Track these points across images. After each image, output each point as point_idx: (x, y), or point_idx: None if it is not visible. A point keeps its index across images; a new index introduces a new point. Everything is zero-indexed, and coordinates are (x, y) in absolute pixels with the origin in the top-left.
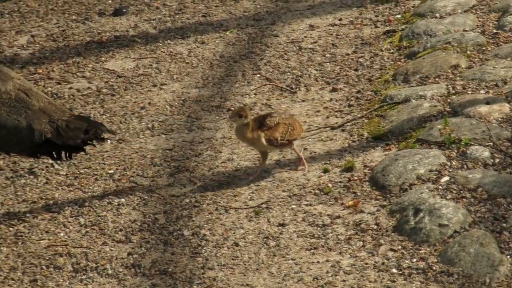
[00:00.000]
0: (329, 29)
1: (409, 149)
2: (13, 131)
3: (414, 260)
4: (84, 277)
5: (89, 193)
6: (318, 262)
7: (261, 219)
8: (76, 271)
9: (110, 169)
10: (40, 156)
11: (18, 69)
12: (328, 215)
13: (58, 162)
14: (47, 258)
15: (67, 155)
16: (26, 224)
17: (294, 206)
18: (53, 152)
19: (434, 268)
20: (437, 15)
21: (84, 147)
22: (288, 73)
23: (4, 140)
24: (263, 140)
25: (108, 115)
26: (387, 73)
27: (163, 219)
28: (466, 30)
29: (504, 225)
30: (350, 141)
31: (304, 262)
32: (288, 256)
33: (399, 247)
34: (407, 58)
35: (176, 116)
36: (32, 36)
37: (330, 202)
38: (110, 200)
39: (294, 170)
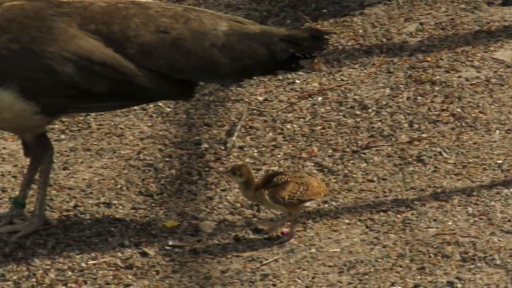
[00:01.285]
0: None
1: None
2: (253, 57)
3: None
4: (472, 266)
5: (477, 183)
6: None
7: None
8: (464, 260)
9: (498, 159)
10: (276, 72)
11: (407, 57)
12: None
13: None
14: (435, 246)
15: (297, 65)
16: (414, 211)
17: None
18: (285, 66)
19: None
20: None
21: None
22: None
23: (248, 68)
24: (267, 197)
25: (497, 105)
26: None
27: None
28: None
29: None
30: None
31: None
32: None
33: None
34: None
35: None
36: (421, 23)
37: None
38: (499, 190)
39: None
